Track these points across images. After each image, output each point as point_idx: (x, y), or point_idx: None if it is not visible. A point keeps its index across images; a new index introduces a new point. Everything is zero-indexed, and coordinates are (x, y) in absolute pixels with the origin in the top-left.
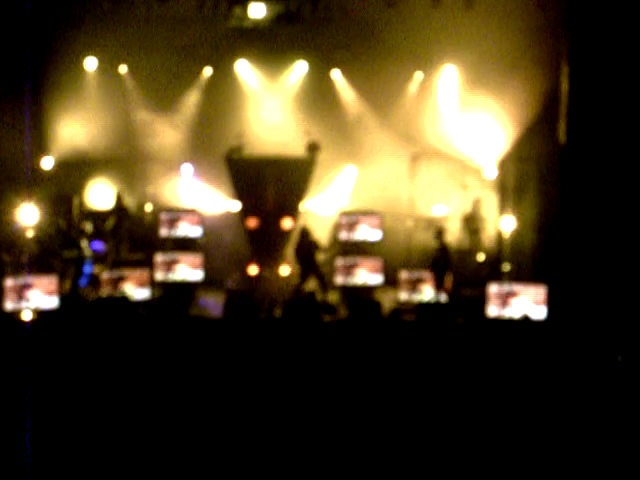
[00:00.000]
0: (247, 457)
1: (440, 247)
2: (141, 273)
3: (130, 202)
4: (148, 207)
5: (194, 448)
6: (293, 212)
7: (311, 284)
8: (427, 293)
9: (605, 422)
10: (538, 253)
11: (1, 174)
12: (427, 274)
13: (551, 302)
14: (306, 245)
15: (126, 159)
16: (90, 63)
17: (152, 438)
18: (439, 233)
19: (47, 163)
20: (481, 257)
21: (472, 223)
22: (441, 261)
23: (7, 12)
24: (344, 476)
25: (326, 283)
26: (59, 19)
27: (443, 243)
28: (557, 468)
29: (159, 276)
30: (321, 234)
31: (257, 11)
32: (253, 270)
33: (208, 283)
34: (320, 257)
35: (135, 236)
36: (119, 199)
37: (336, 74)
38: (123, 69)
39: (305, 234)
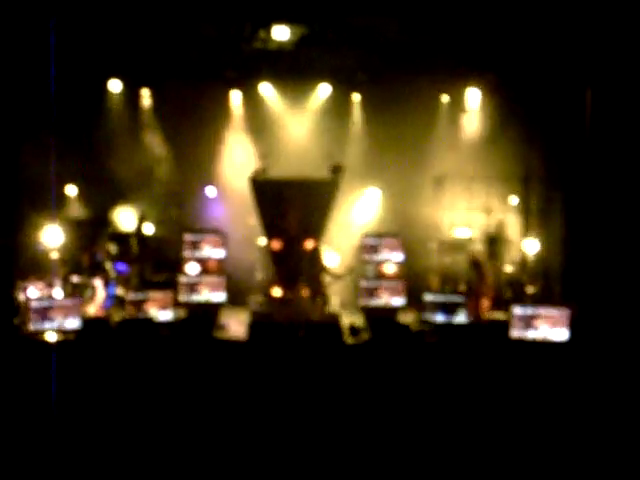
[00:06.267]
0: None
1: (476, 274)
2: (165, 295)
3: (154, 224)
4: (172, 229)
5: (218, 472)
6: (316, 234)
7: (336, 306)
8: (451, 315)
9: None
10: (562, 275)
11: (27, 197)
12: (454, 297)
13: (574, 325)
14: (312, 264)
15: (151, 182)
16: (114, 85)
17: (175, 460)
18: (475, 263)
19: (72, 186)
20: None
21: (495, 246)
22: (476, 287)
23: (28, 38)
24: None
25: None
26: (82, 41)
27: (480, 271)
28: None
29: (183, 297)
30: (344, 256)
31: (281, 33)
32: (277, 292)
33: (232, 304)
34: (326, 279)
35: (159, 258)
36: (142, 221)
37: (358, 96)
38: (147, 92)
39: (314, 254)
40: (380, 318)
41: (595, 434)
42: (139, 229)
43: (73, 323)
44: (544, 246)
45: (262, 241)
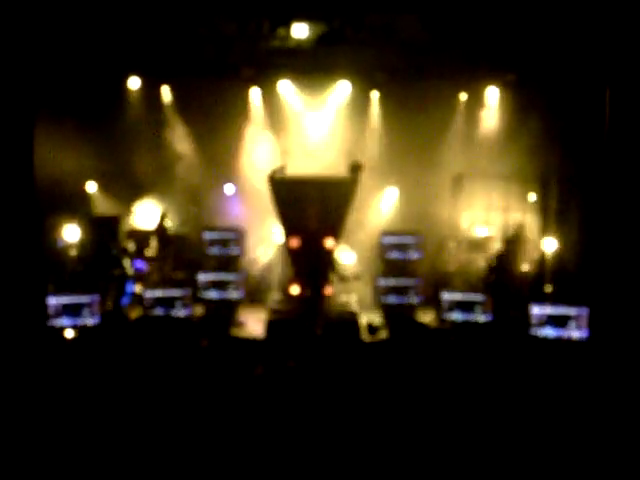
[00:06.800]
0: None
1: (496, 273)
2: (183, 292)
3: (174, 221)
4: (191, 226)
5: (233, 470)
6: (335, 232)
7: (354, 304)
8: (470, 314)
9: None
10: (580, 274)
11: (46, 194)
12: (472, 295)
13: (593, 324)
14: (325, 263)
15: (170, 179)
16: (134, 82)
17: (193, 456)
18: (496, 261)
19: (91, 182)
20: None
21: (513, 244)
22: (498, 284)
23: (44, 34)
24: None
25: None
26: (99, 38)
27: (500, 269)
28: None
29: (201, 295)
30: (361, 254)
31: (300, 31)
32: (295, 290)
33: (249, 302)
34: (333, 278)
35: (179, 255)
36: (163, 219)
37: (377, 95)
38: (167, 89)
39: (325, 251)
40: (398, 316)
41: (618, 434)
42: (160, 226)
43: (91, 320)
44: (562, 245)
45: (280, 239)
